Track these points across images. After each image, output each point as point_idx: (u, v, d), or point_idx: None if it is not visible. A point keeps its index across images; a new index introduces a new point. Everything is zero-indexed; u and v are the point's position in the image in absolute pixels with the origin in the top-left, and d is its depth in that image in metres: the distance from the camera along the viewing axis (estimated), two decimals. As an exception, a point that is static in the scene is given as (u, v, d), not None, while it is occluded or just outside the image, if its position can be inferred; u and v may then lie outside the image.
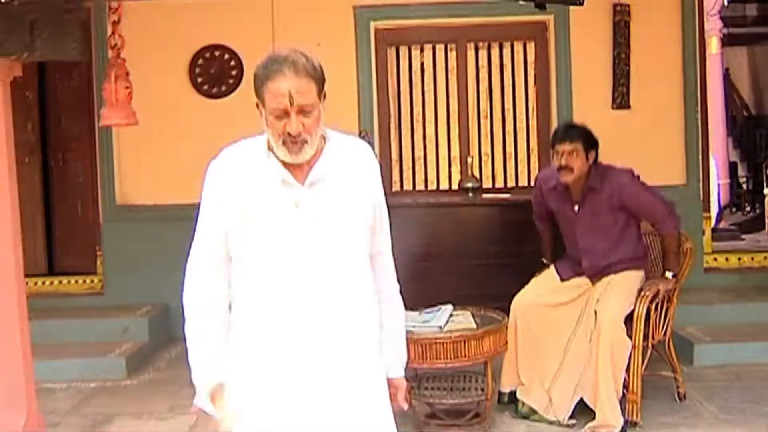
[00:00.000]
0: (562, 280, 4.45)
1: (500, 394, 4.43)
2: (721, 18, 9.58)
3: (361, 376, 2.24)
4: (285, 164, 2.21)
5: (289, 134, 2.13)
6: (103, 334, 5.87)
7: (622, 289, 4.25)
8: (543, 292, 4.44)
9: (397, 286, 2.50)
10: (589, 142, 4.29)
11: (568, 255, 4.52)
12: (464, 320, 4.20)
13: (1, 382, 3.46)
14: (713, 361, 5.18)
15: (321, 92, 2.18)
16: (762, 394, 4.56)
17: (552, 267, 4.56)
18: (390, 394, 2.38)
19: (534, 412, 4.27)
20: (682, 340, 5.19)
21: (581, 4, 3.79)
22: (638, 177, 4.40)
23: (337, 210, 2.22)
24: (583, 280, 4.41)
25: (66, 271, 6.78)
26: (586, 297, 4.36)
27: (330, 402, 2.17)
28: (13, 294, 3.52)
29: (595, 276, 4.34)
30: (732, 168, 11.28)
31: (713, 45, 9.91)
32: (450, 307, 4.34)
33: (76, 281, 6.67)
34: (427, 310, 4.32)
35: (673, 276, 4.35)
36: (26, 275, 6.01)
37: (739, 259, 6.52)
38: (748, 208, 11.10)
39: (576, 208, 4.35)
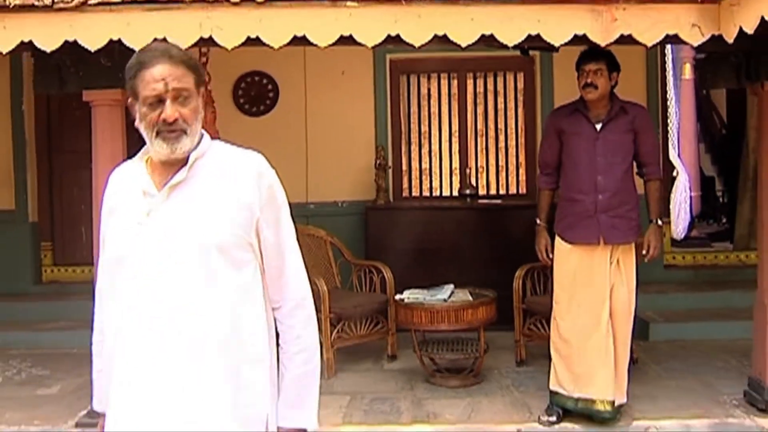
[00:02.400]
0: (569, 242, 4.39)
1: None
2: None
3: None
4: (156, 171, 2.01)
5: (164, 121, 1.93)
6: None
7: (631, 273, 4.36)
8: (570, 293, 4.38)
9: (309, 312, 2.11)
10: (613, 63, 4.35)
11: (566, 213, 4.43)
12: (463, 295, 5.33)
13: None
14: (664, 338, 6.28)
15: (199, 86, 1.99)
16: (699, 361, 5.65)
17: (559, 242, 4.44)
18: None
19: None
20: (641, 321, 6.22)
21: (557, 51, 4.83)
22: None
23: (195, 219, 1.95)
24: (589, 249, 4.34)
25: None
26: (602, 274, 4.31)
27: None
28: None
29: (605, 210, 4.28)
30: (710, 182, 12.12)
31: (686, 71, 10.90)
32: (451, 286, 5.46)
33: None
34: (433, 287, 5.46)
35: (660, 223, 4.50)
36: (91, 263, 7.09)
37: (694, 257, 7.65)
38: (723, 220, 11.95)
39: (599, 127, 4.34)
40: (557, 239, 4.49)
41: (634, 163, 4.49)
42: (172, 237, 1.93)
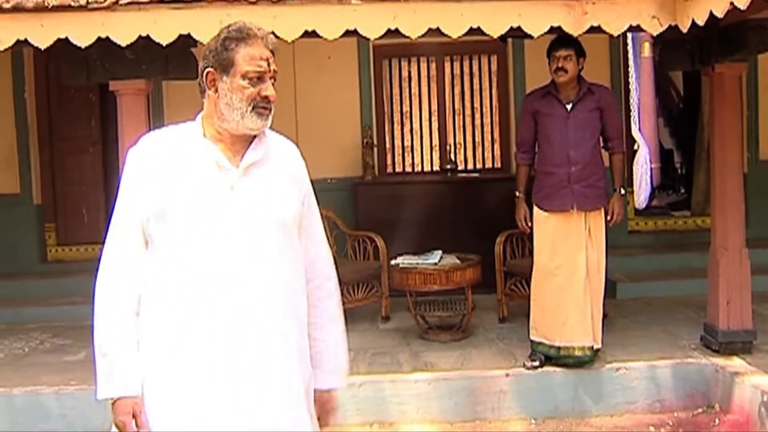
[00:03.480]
0: (546, 211, 4.93)
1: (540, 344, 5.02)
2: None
3: (284, 385, 2.11)
4: (223, 145, 2.12)
5: (264, 98, 2.09)
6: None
7: (601, 235, 4.91)
8: (549, 255, 4.92)
9: (335, 285, 2.36)
10: (581, 50, 4.89)
11: (542, 184, 4.96)
12: (451, 259, 5.91)
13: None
14: (630, 296, 6.92)
15: None
16: (661, 314, 6.30)
17: (537, 211, 4.97)
18: (315, 410, 2.24)
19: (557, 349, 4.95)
20: (609, 281, 6.73)
21: (532, 38, 5.34)
22: None
23: (271, 196, 2.12)
24: (565, 216, 4.87)
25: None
26: (576, 236, 4.86)
27: (249, 408, 2.05)
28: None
29: (578, 181, 4.83)
30: (669, 154, 12.70)
31: (645, 49, 11.48)
32: (440, 251, 6.04)
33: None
34: (424, 254, 6.03)
35: (623, 192, 5.13)
36: (94, 242, 7.54)
37: (655, 223, 8.32)
38: (682, 190, 12.58)
39: (569, 107, 4.88)
40: (535, 208, 5.03)
41: (600, 138, 5.05)
42: (255, 211, 2.09)
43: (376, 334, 6.06)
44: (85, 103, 8.17)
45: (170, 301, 2.07)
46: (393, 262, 5.97)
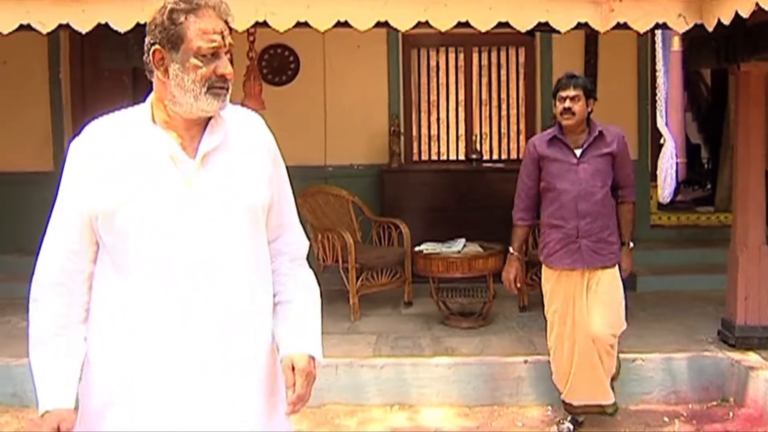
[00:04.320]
0: (555, 269, 4.41)
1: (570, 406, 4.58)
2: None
3: (247, 382, 1.98)
4: (173, 131, 1.91)
5: (220, 77, 1.86)
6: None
7: (618, 297, 4.37)
8: (562, 315, 4.41)
9: (305, 261, 2.19)
10: (589, 90, 4.38)
11: (549, 239, 4.43)
12: (474, 248, 6.03)
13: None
14: (650, 289, 6.97)
15: None
16: (680, 308, 6.37)
17: (545, 267, 4.48)
18: (286, 376, 1.99)
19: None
20: (630, 275, 6.96)
21: (559, 33, 5.43)
22: None
23: (234, 185, 1.93)
24: (574, 273, 4.36)
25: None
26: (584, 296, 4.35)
27: (207, 404, 1.91)
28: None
29: (587, 236, 4.29)
30: (696, 149, 12.66)
31: (675, 43, 11.44)
32: (463, 239, 6.16)
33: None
34: (448, 241, 6.15)
35: (632, 245, 4.51)
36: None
37: (678, 218, 8.37)
38: (708, 186, 12.54)
39: (578, 153, 4.34)
40: (544, 266, 4.51)
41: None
42: (216, 207, 1.90)
43: (399, 318, 6.20)
44: (117, 84, 8.32)
45: (123, 311, 1.89)
46: (417, 248, 6.10)
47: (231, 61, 1.92)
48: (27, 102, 8.07)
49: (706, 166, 12.79)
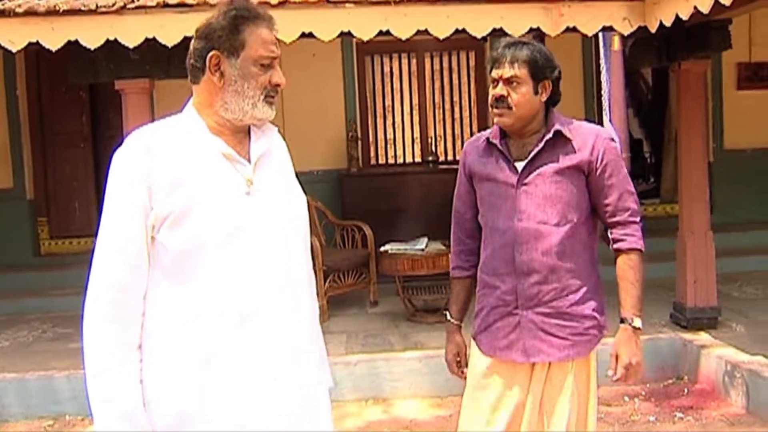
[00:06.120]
0: (485, 354, 2.70)
1: None
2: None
3: (312, 390, 1.98)
4: (223, 137, 1.91)
5: (275, 86, 1.91)
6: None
7: (584, 394, 2.68)
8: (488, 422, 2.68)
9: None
10: (540, 67, 2.58)
11: (480, 305, 2.73)
12: (436, 246, 6.27)
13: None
14: (604, 278, 7.25)
15: None
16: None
17: (473, 344, 2.76)
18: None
19: None
20: None
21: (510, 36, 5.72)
22: None
23: (286, 189, 1.99)
24: (511, 367, 2.66)
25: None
26: (530, 400, 2.66)
27: (282, 415, 1.88)
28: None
29: (532, 305, 2.60)
30: (638, 144, 13.06)
31: (615, 43, 11.82)
32: (425, 238, 6.39)
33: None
34: (410, 241, 6.38)
35: (638, 325, 2.74)
36: (85, 235, 7.78)
37: (626, 210, 8.70)
38: (651, 179, 12.92)
39: (520, 167, 2.61)
40: (473, 343, 2.80)
41: (591, 220, 2.71)
42: (277, 207, 1.93)
43: (366, 317, 6.40)
44: (75, 99, 8.40)
45: (194, 319, 1.84)
46: (382, 249, 6.31)
47: None
48: (-17, 120, 8.07)
49: (648, 160, 13.10)
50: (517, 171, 2.62)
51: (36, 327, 6.67)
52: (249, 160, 1.92)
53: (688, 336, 5.41)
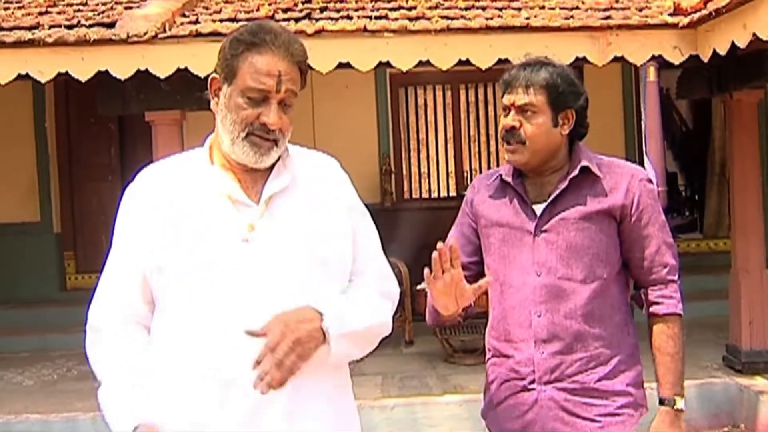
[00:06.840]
0: None
1: None
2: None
3: None
4: (235, 174, 1.71)
5: (263, 125, 1.63)
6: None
7: None
8: None
9: (385, 298, 1.97)
10: (560, 95, 2.16)
11: (490, 378, 2.38)
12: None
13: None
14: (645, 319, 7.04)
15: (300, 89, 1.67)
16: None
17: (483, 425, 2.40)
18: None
19: None
20: None
21: None
22: None
23: (305, 232, 1.70)
24: None
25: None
26: None
27: None
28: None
29: (553, 379, 2.19)
30: (673, 177, 12.89)
31: (651, 73, 11.66)
32: (463, 276, 6.15)
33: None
34: (447, 278, 6.13)
35: (681, 407, 2.22)
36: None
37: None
38: (687, 213, 12.72)
39: (539, 211, 2.21)
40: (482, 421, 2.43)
41: (622, 276, 2.28)
42: (283, 254, 1.67)
43: (401, 358, 6.16)
44: (104, 132, 8.31)
45: (183, 346, 1.69)
46: (418, 287, 6.06)
47: (287, 112, 1.70)
48: (11, 151, 8.00)
49: (683, 193, 12.98)
50: (535, 215, 2.21)
51: (61, 365, 6.49)
52: (259, 201, 1.70)
53: (744, 381, 5.11)
